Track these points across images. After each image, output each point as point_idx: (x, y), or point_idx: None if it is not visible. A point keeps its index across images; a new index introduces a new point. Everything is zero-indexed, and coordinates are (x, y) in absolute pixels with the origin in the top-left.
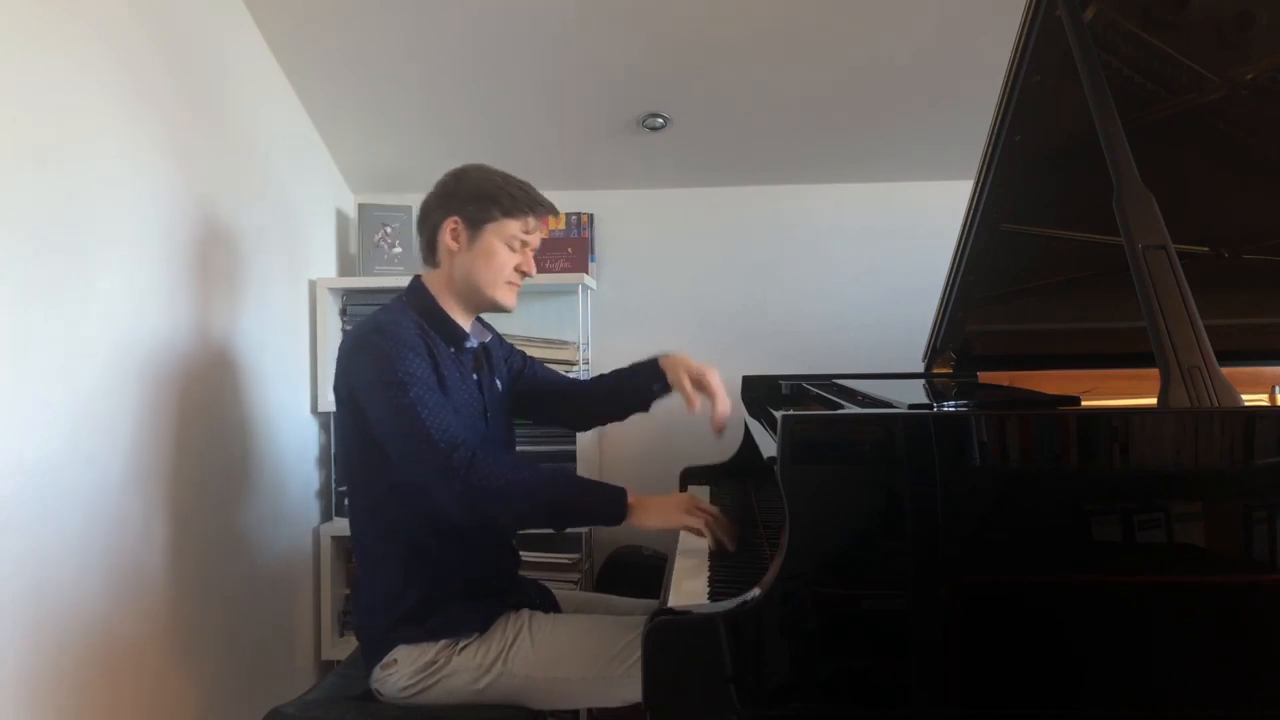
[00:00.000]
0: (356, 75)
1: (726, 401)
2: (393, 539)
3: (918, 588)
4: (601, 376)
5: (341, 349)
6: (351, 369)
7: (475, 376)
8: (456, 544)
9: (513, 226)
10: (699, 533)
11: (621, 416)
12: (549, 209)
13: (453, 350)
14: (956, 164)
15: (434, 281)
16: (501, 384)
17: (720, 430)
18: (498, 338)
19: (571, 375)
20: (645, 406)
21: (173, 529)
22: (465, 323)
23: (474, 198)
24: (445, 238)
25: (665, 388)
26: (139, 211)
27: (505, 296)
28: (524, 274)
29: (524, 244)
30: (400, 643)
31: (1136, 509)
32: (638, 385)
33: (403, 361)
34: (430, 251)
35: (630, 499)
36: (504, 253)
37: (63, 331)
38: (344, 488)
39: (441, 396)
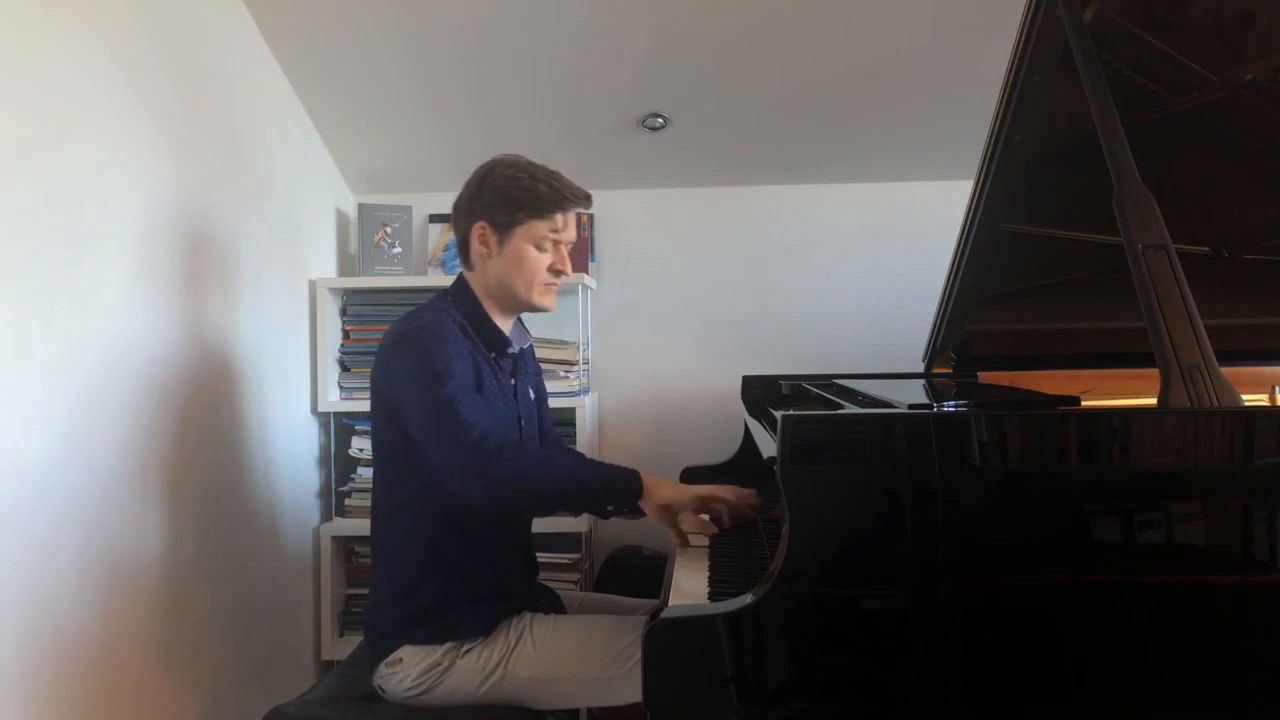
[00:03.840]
0: (356, 75)
1: (733, 497)
2: (413, 540)
3: (918, 588)
4: (585, 457)
5: (382, 344)
6: (391, 364)
7: (513, 382)
8: (479, 550)
9: (540, 228)
10: (715, 512)
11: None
12: (579, 200)
13: (493, 355)
14: (956, 164)
15: (475, 282)
16: (534, 392)
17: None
18: (531, 349)
19: (571, 376)
20: (601, 513)
21: (172, 529)
22: (506, 325)
23: (499, 201)
24: (475, 243)
25: (620, 512)
26: (138, 212)
27: (543, 299)
28: (559, 273)
29: (555, 243)
30: (406, 642)
31: (1136, 509)
32: None
33: (443, 357)
34: (464, 254)
35: (644, 479)
36: (534, 256)
37: (61, 332)
38: (344, 488)
39: (478, 395)
